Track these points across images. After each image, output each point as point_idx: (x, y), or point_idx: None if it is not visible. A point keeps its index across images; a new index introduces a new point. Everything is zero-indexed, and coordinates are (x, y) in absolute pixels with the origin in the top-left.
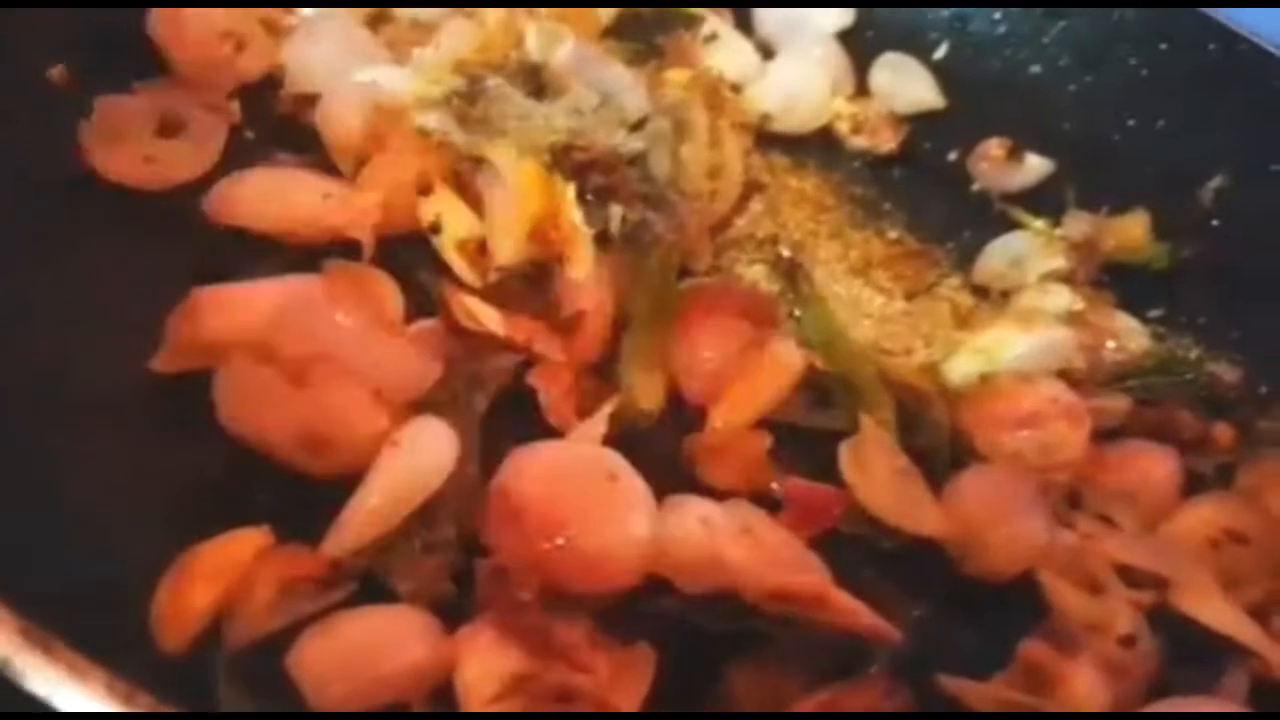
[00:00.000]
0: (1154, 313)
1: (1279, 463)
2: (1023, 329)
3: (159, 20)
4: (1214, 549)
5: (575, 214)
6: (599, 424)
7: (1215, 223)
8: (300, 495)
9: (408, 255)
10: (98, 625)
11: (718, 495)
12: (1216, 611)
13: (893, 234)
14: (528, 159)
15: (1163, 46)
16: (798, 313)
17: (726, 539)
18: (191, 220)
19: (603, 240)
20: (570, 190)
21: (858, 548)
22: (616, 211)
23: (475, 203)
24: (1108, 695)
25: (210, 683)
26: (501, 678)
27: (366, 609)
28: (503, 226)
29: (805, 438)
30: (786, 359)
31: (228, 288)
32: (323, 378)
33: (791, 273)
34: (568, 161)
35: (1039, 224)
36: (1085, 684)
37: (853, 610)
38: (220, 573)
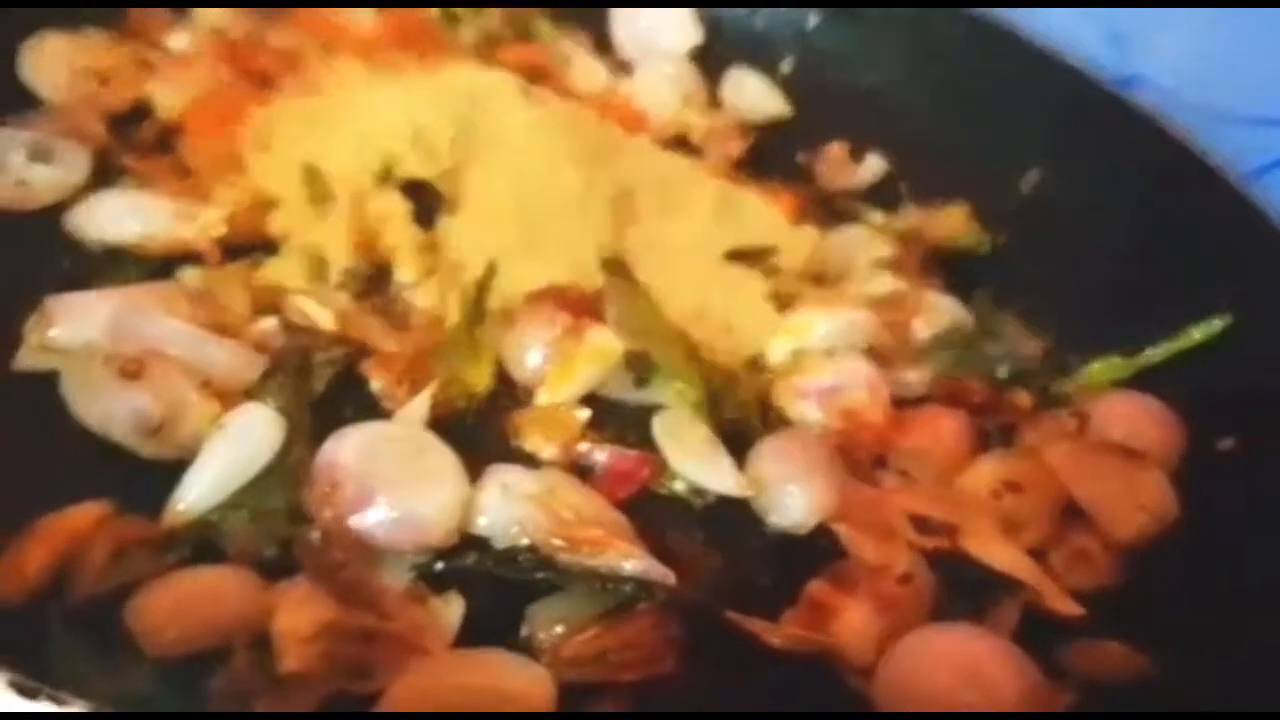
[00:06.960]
0: (979, 293)
1: (1058, 421)
2: (828, 311)
3: (29, 61)
4: (996, 498)
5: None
6: (422, 405)
7: (1033, 211)
8: (143, 474)
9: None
10: None
11: (538, 464)
12: (998, 553)
13: None
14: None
15: (978, 56)
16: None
17: (524, 500)
18: (57, 236)
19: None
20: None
21: (674, 508)
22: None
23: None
24: (879, 625)
25: (51, 633)
26: (312, 624)
27: (197, 568)
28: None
29: (627, 412)
30: (604, 345)
31: (75, 296)
32: (155, 372)
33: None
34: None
35: (876, 216)
36: (857, 617)
37: (628, 555)
38: (58, 537)
